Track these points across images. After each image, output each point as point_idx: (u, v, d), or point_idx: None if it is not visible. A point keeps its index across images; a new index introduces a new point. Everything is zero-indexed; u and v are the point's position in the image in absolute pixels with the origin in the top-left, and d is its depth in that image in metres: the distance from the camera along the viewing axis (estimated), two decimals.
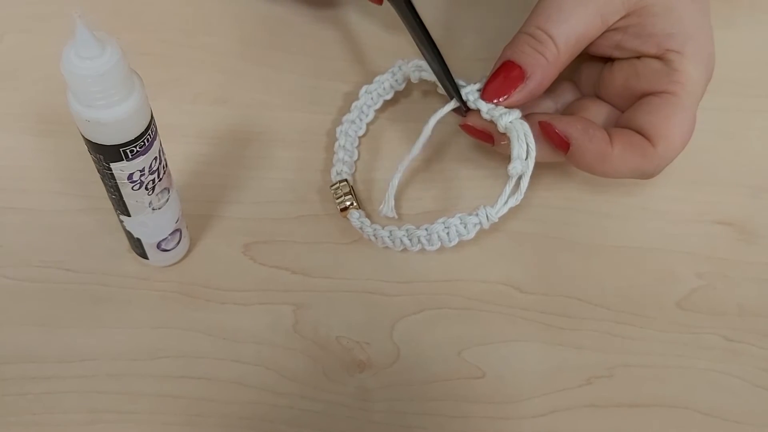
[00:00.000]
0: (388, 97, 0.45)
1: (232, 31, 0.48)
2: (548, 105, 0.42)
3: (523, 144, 0.38)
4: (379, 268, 0.41)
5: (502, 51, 0.39)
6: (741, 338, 0.40)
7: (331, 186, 0.42)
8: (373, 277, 0.40)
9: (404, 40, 0.48)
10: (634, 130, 0.38)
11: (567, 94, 0.43)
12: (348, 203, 0.41)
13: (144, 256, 0.39)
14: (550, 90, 0.42)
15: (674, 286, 0.41)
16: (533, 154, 0.38)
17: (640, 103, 0.39)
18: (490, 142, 0.40)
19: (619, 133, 0.38)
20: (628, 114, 0.39)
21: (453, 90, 0.40)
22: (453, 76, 0.40)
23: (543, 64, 0.38)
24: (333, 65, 0.47)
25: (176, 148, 0.42)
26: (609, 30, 0.38)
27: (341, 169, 0.42)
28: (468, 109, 0.40)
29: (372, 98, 0.44)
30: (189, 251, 0.41)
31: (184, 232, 0.39)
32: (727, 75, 0.45)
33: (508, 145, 0.38)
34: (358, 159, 0.44)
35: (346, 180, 0.42)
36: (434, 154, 0.44)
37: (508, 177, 0.38)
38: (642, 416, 0.38)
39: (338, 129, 0.44)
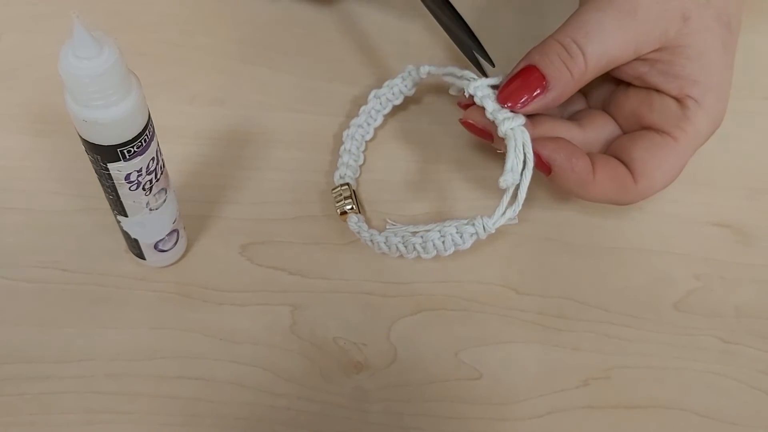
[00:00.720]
0: (398, 102, 0.44)
1: (229, 31, 0.48)
2: (555, 110, 0.42)
3: (520, 155, 0.37)
4: (376, 269, 0.41)
5: (529, 53, 0.38)
6: (737, 340, 0.40)
7: (333, 189, 0.42)
8: (371, 279, 0.40)
9: (406, 39, 0.48)
10: (622, 160, 0.38)
11: (575, 103, 0.42)
12: (348, 207, 0.41)
13: (141, 256, 0.39)
14: None
15: (671, 287, 0.41)
16: (530, 165, 0.37)
17: (641, 135, 0.38)
18: (489, 139, 0.40)
19: (603, 162, 0.38)
20: (624, 140, 0.39)
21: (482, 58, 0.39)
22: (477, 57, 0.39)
23: (567, 79, 0.37)
24: (331, 66, 0.47)
25: (174, 148, 0.42)
26: (637, 59, 0.38)
27: (344, 172, 0.42)
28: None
29: (381, 103, 0.44)
30: (186, 252, 0.41)
31: (182, 232, 0.39)
32: None
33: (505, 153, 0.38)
34: (363, 163, 0.44)
35: (348, 184, 0.42)
36: (432, 156, 0.44)
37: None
38: (638, 418, 0.38)
39: (345, 132, 0.43)
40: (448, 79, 0.42)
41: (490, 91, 0.39)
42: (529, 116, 0.39)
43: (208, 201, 0.42)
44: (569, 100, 0.41)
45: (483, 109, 0.38)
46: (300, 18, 0.49)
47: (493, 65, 0.42)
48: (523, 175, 0.37)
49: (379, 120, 0.44)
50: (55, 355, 0.38)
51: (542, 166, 0.38)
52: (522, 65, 0.38)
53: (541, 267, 0.41)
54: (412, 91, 0.44)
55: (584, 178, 0.37)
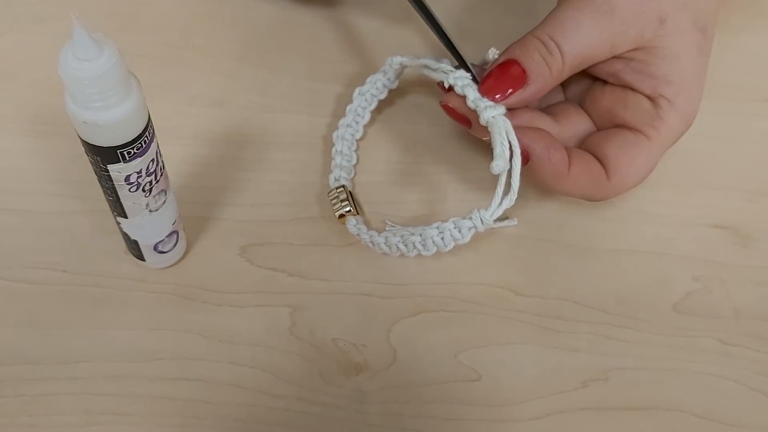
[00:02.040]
0: (383, 96, 0.44)
1: (228, 33, 0.48)
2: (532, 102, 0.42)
3: (505, 142, 0.37)
4: (375, 270, 0.41)
5: (509, 48, 0.39)
6: (736, 341, 0.40)
7: (329, 192, 0.42)
8: (370, 280, 0.41)
9: (402, 41, 0.48)
10: (596, 156, 0.39)
11: (552, 94, 0.43)
12: (345, 210, 0.41)
13: (141, 257, 0.39)
14: None
15: (670, 289, 0.41)
16: (517, 152, 0.37)
17: (614, 132, 0.39)
18: (467, 125, 0.40)
19: (579, 157, 0.39)
20: (598, 137, 0.40)
21: (459, 60, 0.40)
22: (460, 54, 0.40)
23: (546, 75, 0.38)
24: (330, 67, 0.47)
25: (173, 150, 0.42)
26: (613, 57, 0.38)
27: (339, 174, 0.42)
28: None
29: (366, 99, 0.44)
30: (186, 253, 0.41)
31: (181, 234, 0.39)
32: (723, 79, 0.45)
33: (491, 141, 0.38)
34: (357, 162, 0.44)
35: (343, 186, 0.42)
36: (424, 150, 0.44)
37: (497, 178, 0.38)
38: (637, 419, 0.38)
39: (335, 134, 0.43)
40: (426, 72, 0.42)
41: (469, 81, 0.39)
42: (508, 109, 0.39)
43: (208, 202, 0.42)
44: (548, 93, 0.42)
45: (464, 96, 0.39)
46: (299, 19, 0.49)
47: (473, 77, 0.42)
48: (513, 162, 0.37)
49: (367, 117, 0.44)
50: (53, 357, 0.38)
51: (521, 154, 0.38)
52: (502, 59, 0.39)
53: (540, 268, 0.41)
54: (395, 84, 0.44)
55: (560, 170, 0.38)
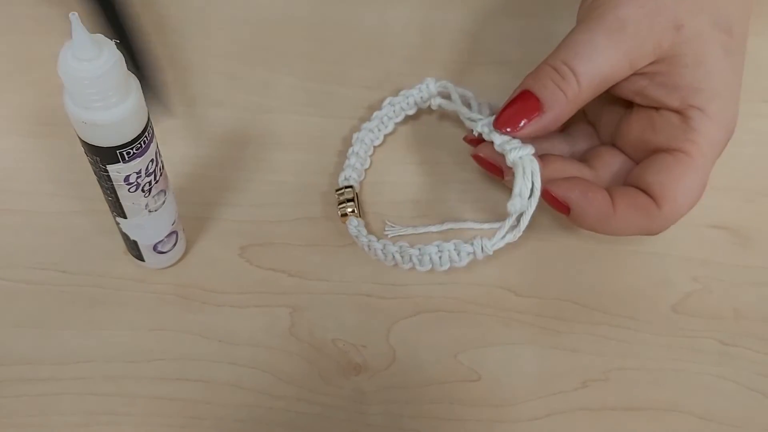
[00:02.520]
0: (411, 112, 0.44)
1: (228, 33, 0.48)
2: (563, 148, 0.41)
3: (528, 182, 0.37)
4: (375, 271, 0.41)
5: (524, 79, 0.38)
6: (736, 342, 0.40)
7: (337, 190, 0.42)
8: (370, 280, 0.41)
9: (402, 40, 0.48)
10: (641, 188, 0.37)
11: (584, 140, 0.42)
12: (349, 210, 0.41)
13: (140, 258, 0.39)
14: (568, 133, 0.41)
15: (669, 289, 0.41)
16: (537, 194, 0.37)
17: (653, 159, 0.38)
18: (499, 175, 0.40)
19: (622, 193, 0.37)
20: (638, 170, 0.38)
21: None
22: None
23: (561, 100, 0.37)
24: (330, 68, 0.47)
25: (173, 150, 0.42)
26: (635, 74, 0.37)
27: (349, 174, 0.42)
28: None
29: (394, 110, 0.44)
30: (185, 253, 0.41)
31: (181, 234, 0.39)
32: None
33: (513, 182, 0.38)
34: (369, 167, 0.44)
35: (351, 186, 0.42)
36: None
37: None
38: (637, 420, 0.38)
39: (355, 135, 0.43)
40: (457, 110, 0.42)
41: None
42: (540, 157, 0.38)
43: (207, 203, 0.42)
44: (577, 136, 0.41)
45: (492, 144, 0.38)
46: (299, 20, 0.49)
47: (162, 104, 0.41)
48: (530, 203, 0.37)
49: (390, 127, 0.44)
50: (53, 357, 0.38)
51: (559, 206, 0.37)
52: (517, 91, 0.38)
53: (539, 269, 0.41)
54: (427, 104, 0.44)
55: (604, 211, 0.37)
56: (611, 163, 0.40)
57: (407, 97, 0.44)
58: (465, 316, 0.40)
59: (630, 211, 0.37)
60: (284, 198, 0.43)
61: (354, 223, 0.40)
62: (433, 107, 0.44)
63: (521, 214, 0.37)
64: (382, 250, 0.40)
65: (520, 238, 0.42)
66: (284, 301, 0.40)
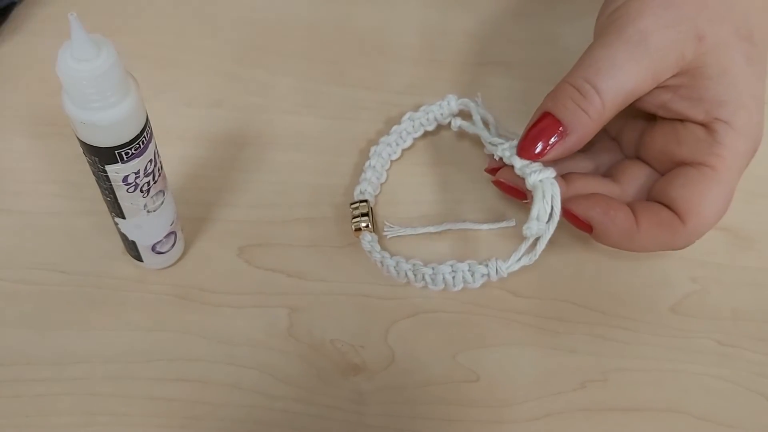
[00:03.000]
0: (431, 128, 0.44)
1: (227, 33, 0.48)
2: (586, 165, 0.40)
3: (547, 205, 0.36)
4: (374, 271, 0.41)
5: (543, 101, 0.37)
6: (734, 343, 0.40)
7: (351, 204, 0.41)
8: (368, 281, 0.41)
9: (402, 41, 0.48)
10: (665, 203, 0.36)
11: (607, 154, 0.41)
12: (363, 225, 0.40)
13: (139, 258, 0.39)
14: (590, 149, 0.41)
15: (668, 290, 0.41)
16: (556, 218, 0.36)
17: (677, 172, 0.37)
18: (522, 198, 0.39)
19: (646, 209, 0.36)
20: (662, 183, 0.37)
21: None
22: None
23: (585, 121, 0.35)
24: (328, 68, 0.47)
25: (171, 150, 0.42)
26: (658, 87, 0.36)
27: (365, 188, 0.42)
28: None
29: (414, 126, 0.44)
30: (184, 254, 0.41)
31: (179, 234, 0.39)
32: None
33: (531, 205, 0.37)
34: (385, 182, 0.43)
35: (366, 201, 0.41)
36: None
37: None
38: (636, 420, 0.38)
39: (373, 148, 0.43)
40: (479, 133, 0.42)
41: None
42: (562, 176, 0.38)
43: (206, 203, 0.42)
44: (600, 152, 0.41)
45: (512, 167, 0.38)
46: (297, 20, 0.49)
47: None
48: (548, 227, 0.36)
49: (409, 142, 0.44)
50: (52, 357, 0.38)
51: (582, 225, 0.37)
52: (538, 114, 0.37)
53: (538, 270, 0.41)
54: (447, 120, 0.44)
55: (627, 228, 0.36)
56: (637, 176, 0.39)
57: (427, 113, 0.44)
58: (464, 317, 0.40)
59: (654, 228, 0.36)
60: (283, 198, 0.43)
61: (368, 239, 0.40)
62: (453, 128, 0.43)
63: (538, 237, 0.37)
64: (395, 267, 0.39)
65: (518, 240, 0.42)
66: (283, 301, 0.40)
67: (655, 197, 0.37)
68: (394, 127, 0.44)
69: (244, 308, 0.40)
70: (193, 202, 0.42)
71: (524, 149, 0.37)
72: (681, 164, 0.37)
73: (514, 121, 0.42)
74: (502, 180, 0.40)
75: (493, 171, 0.41)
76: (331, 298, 0.40)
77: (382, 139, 0.43)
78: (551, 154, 0.36)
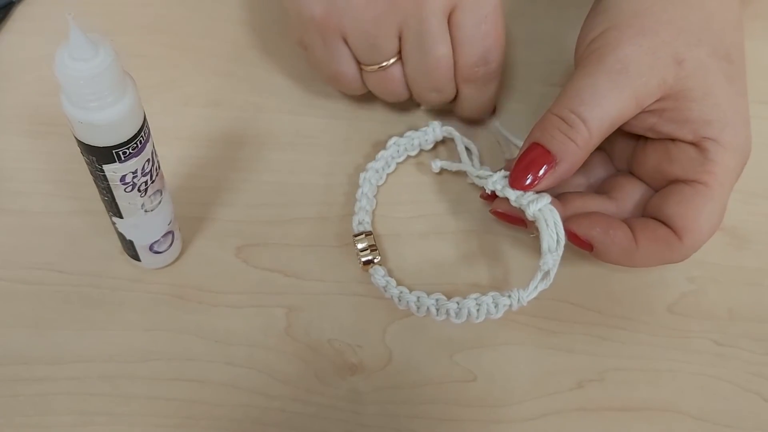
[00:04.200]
0: (414, 153, 0.44)
1: (225, 33, 0.48)
2: (580, 181, 0.41)
3: (553, 234, 0.37)
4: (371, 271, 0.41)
5: (531, 132, 0.38)
6: (731, 342, 0.40)
7: (355, 236, 0.41)
8: (366, 281, 0.40)
9: None
10: (661, 220, 0.37)
11: (599, 168, 0.41)
12: (373, 258, 0.40)
13: (136, 258, 0.39)
14: (582, 165, 0.40)
15: (665, 290, 0.41)
16: (563, 242, 0.37)
17: (670, 190, 0.37)
18: (522, 226, 0.39)
19: (643, 227, 0.37)
20: (657, 200, 0.38)
21: None
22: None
23: (573, 150, 0.36)
24: None
25: (169, 150, 0.42)
26: (644, 112, 0.37)
27: (363, 218, 0.41)
28: None
29: (398, 151, 0.44)
30: (181, 253, 0.41)
31: (177, 234, 0.39)
32: None
33: (539, 236, 0.37)
34: (375, 208, 0.43)
35: (371, 233, 0.41)
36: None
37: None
38: (632, 420, 0.38)
39: (362, 175, 0.43)
40: (464, 170, 0.42)
41: (507, 181, 0.38)
42: (558, 196, 0.39)
43: (204, 203, 0.42)
44: (592, 167, 0.41)
45: (507, 199, 0.38)
46: None
47: None
48: (557, 252, 0.37)
49: (393, 167, 0.44)
50: (49, 357, 0.38)
51: (582, 244, 0.37)
52: (526, 144, 0.37)
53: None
54: (430, 146, 0.44)
55: (626, 246, 0.36)
56: (632, 192, 0.39)
57: (412, 139, 0.44)
58: None
59: (652, 245, 0.36)
60: (280, 198, 0.43)
61: (380, 273, 0.39)
62: (434, 170, 0.43)
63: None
64: (415, 302, 0.39)
65: (517, 240, 0.42)
66: (280, 301, 0.40)
67: (650, 213, 0.38)
68: (381, 153, 0.43)
69: (242, 308, 0.40)
70: (190, 202, 0.42)
71: (516, 180, 0.37)
72: (674, 181, 0.37)
73: (515, 120, 0.42)
74: (500, 211, 0.40)
75: (488, 198, 0.41)
76: (329, 297, 0.40)
77: (369, 165, 0.43)
78: (543, 184, 0.37)
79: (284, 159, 0.44)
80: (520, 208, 0.38)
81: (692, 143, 0.37)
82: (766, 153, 0.43)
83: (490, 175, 0.39)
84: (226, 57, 0.47)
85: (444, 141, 0.45)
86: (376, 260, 0.40)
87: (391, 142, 0.44)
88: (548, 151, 0.36)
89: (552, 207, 0.37)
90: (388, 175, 0.44)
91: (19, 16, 0.48)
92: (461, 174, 0.43)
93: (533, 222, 0.38)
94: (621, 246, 0.37)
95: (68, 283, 0.40)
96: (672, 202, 0.37)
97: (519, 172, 0.37)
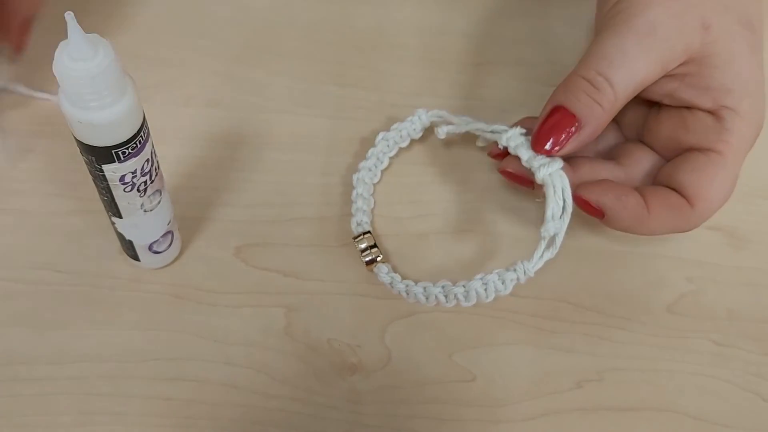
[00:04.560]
0: (404, 144, 0.44)
1: (224, 33, 0.48)
2: (588, 147, 0.40)
3: (560, 201, 0.36)
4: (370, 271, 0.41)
5: (554, 93, 0.37)
6: (730, 342, 0.40)
7: (355, 238, 0.40)
8: (365, 280, 0.41)
9: (400, 41, 0.48)
10: (672, 187, 0.37)
11: (609, 135, 0.41)
12: (375, 257, 0.40)
13: (135, 258, 0.39)
14: None
15: (664, 290, 0.41)
16: (569, 210, 0.36)
17: (685, 157, 0.37)
18: (530, 186, 0.39)
19: (655, 194, 0.37)
20: (670, 168, 0.38)
21: None
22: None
23: (599, 113, 0.36)
24: (326, 68, 0.47)
25: (168, 150, 0.42)
26: (665, 76, 0.36)
27: (361, 219, 0.41)
28: None
29: (388, 145, 0.43)
30: (181, 253, 0.41)
31: (176, 234, 0.39)
32: None
33: (544, 202, 0.37)
34: (374, 207, 0.43)
35: (369, 232, 0.41)
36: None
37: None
38: (631, 420, 0.38)
39: (355, 176, 0.42)
40: (475, 132, 0.41)
41: (523, 139, 0.38)
42: (567, 161, 0.38)
43: (203, 203, 0.42)
44: (605, 135, 0.40)
45: (518, 157, 0.38)
46: (296, 20, 0.49)
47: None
48: (562, 221, 0.36)
49: (386, 162, 0.43)
50: (49, 357, 0.38)
51: (594, 211, 0.37)
52: (549, 107, 0.37)
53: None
54: (420, 134, 0.44)
55: (639, 213, 0.36)
56: (642, 160, 0.39)
57: (400, 131, 0.43)
58: (460, 317, 0.40)
59: (664, 212, 0.36)
60: (279, 198, 0.43)
61: (384, 270, 0.39)
62: (440, 136, 0.42)
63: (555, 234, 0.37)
64: (423, 293, 0.38)
65: (515, 239, 0.42)
66: (279, 301, 0.40)
67: (662, 181, 0.38)
68: (371, 150, 0.43)
69: (241, 308, 0.40)
70: (189, 202, 0.42)
71: (538, 143, 0.37)
72: (688, 150, 0.37)
73: (513, 121, 0.42)
74: (508, 170, 0.39)
75: (497, 156, 0.40)
76: (328, 297, 0.40)
77: (361, 164, 0.43)
78: (566, 149, 0.36)
79: (284, 159, 0.44)
80: (530, 170, 0.37)
81: (709, 111, 0.36)
82: (766, 153, 0.43)
83: (505, 130, 0.39)
84: (226, 57, 0.47)
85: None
86: (378, 258, 0.40)
87: (379, 137, 0.43)
88: (573, 114, 0.36)
89: (563, 173, 0.37)
90: (382, 171, 0.44)
91: None
92: (460, 173, 0.43)
93: (541, 186, 0.37)
94: (633, 212, 0.36)
95: (67, 283, 0.40)
96: (686, 170, 0.37)
97: (541, 135, 0.37)
